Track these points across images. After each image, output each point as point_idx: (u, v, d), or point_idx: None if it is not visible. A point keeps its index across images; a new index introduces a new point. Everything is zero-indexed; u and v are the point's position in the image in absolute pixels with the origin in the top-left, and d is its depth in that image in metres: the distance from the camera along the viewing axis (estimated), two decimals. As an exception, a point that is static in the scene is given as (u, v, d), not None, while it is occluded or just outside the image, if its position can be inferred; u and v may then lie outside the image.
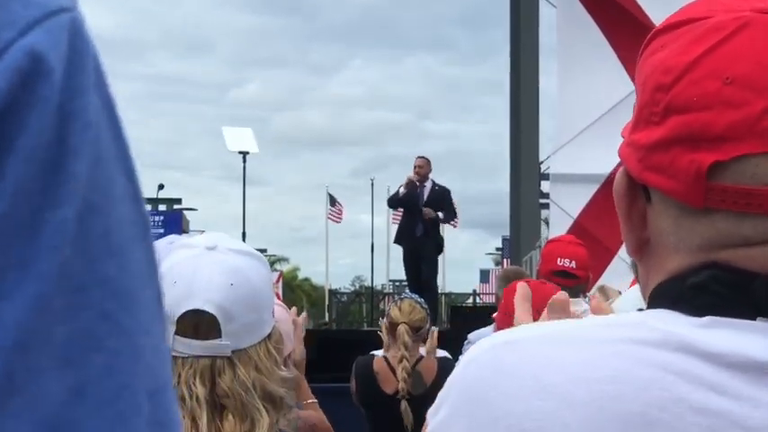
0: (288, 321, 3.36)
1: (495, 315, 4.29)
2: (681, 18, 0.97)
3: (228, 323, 1.89)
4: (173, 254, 1.98)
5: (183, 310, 1.89)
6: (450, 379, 0.98)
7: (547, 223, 13.07)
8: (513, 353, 0.93)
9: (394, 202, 13.98)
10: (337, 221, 24.66)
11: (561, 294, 1.17)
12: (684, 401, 0.84)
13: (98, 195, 0.50)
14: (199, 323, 1.90)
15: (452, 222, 24.71)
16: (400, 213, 23.88)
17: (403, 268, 14.00)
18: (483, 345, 0.97)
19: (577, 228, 9.82)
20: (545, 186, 12.00)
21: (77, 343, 0.48)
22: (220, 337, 1.89)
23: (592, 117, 10.43)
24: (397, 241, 14.17)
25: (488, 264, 39.52)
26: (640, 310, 0.96)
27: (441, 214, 13.17)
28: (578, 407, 0.86)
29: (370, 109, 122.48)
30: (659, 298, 0.95)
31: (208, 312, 1.88)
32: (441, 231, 13.93)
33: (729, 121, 0.89)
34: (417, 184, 13.11)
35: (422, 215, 13.06)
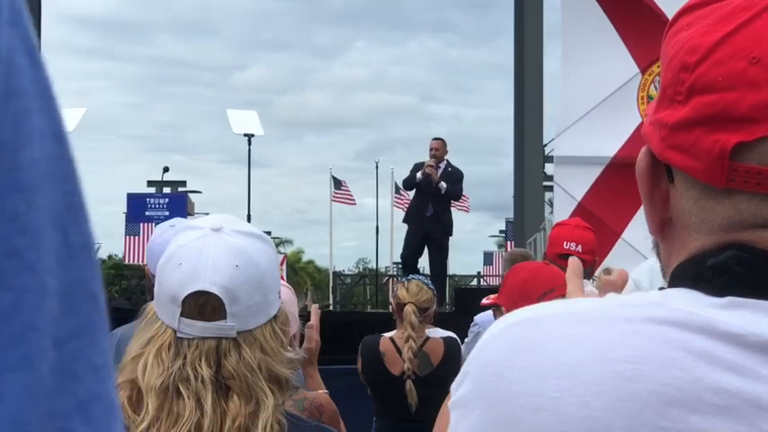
0: (293, 302, 3.39)
1: (487, 299, 4.23)
2: None
3: (233, 304, 1.89)
4: (179, 235, 1.98)
5: (189, 292, 1.89)
6: (471, 354, 0.98)
7: (551, 205, 13.09)
8: (534, 330, 0.93)
9: (409, 183, 13.91)
10: (351, 203, 24.55)
11: (618, 275, 1.16)
12: (702, 381, 0.84)
13: (6, 131, 0.48)
14: (204, 304, 1.90)
15: (460, 205, 24.70)
16: (403, 197, 23.88)
17: (409, 247, 13.98)
18: (506, 321, 0.97)
19: (581, 210, 9.81)
20: (549, 169, 12.00)
21: None
22: (225, 318, 1.89)
23: (596, 100, 10.40)
24: (405, 220, 14.16)
25: (492, 246, 39.45)
26: (661, 288, 0.96)
27: (444, 184, 13.09)
28: (595, 385, 0.86)
29: (373, 91, 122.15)
30: (680, 278, 0.95)
31: (213, 294, 1.88)
32: (450, 215, 13.90)
33: (754, 102, 0.88)
34: (436, 169, 13.10)
35: (434, 197, 13.07)
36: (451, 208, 13.69)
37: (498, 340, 0.96)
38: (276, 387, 1.92)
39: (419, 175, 13.28)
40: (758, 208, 0.90)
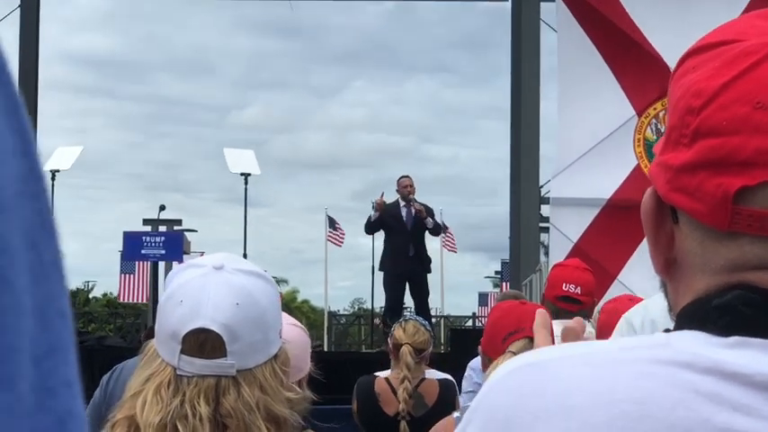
0: (307, 344, 3.39)
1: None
2: (713, 40, 0.97)
3: (234, 342, 1.89)
4: (180, 273, 1.99)
5: (189, 329, 1.90)
6: (474, 401, 0.98)
7: (545, 247, 13.09)
8: (537, 374, 0.93)
9: (373, 227, 13.94)
10: (339, 245, 24.61)
11: (575, 321, 1.17)
12: (710, 422, 0.84)
13: None
14: (204, 342, 1.90)
15: (450, 244, 24.70)
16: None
17: (385, 292, 13.93)
18: (507, 367, 0.97)
19: (577, 251, 9.82)
20: (545, 210, 12.01)
21: None
22: (225, 356, 1.90)
23: (592, 142, 10.46)
24: (382, 267, 14.15)
25: (488, 287, 39.41)
26: (667, 330, 0.96)
27: (430, 220, 13.18)
28: (603, 427, 0.86)
29: (371, 132, 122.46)
30: (686, 318, 0.95)
31: (213, 331, 1.89)
32: (427, 251, 13.97)
33: (758, 146, 0.89)
34: (401, 202, 13.25)
35: (414, 235, 13.13)
36: (442, 248, 13.76)
37: (502, 386, 0.96)
38: (274, 427, 1.91)
39: (374, 214, 13.37)
40: (762, 250, 0.90)
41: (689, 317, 0.95)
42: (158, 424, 1.85)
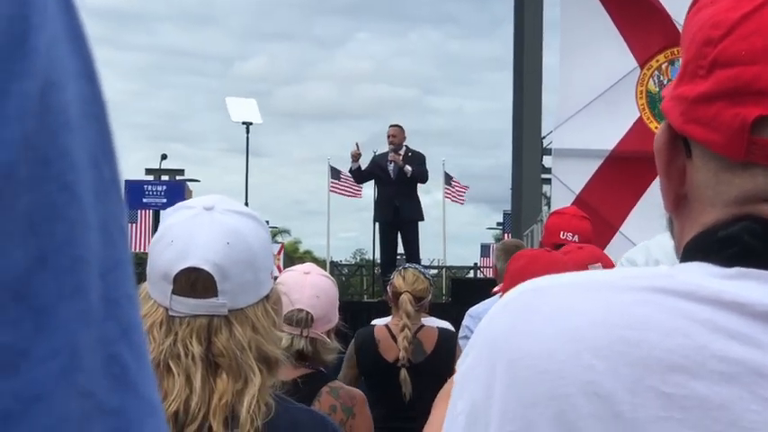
0: (336, 295, 3.43)
1: (497, 288, 4.30)
2: None
3: (225, 281, 1.90)
4: (171, 215, 1.99)
5: (180, 268, 1.90)
6: (478, 327, 0.99)
7: (546, 198, 13.09)
8: (539, 298, 0.94)
9: (359, 176, 14.11)
10: (348, 195, 24.48)
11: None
12: (706, 349, 0.85)
13: (56, 71, 0.50)
14: (195, 281, 1.91)
15: (455, 195, 24.65)
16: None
17: (384, 243, 14.04)
18: (510, 294, 0.98)
19: (580, 203, 9.78)
20: (547, 161, 12.00)
21: (41, 212, 0.49)
22: (217, 295, 1.91)
23: (594, 93, 10.40)
24: (377, 219, 14.27)
25: (490, 239, 39.46)
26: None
27: (409, 167, 13.20)
28: (601, 350, 0.86)
29: (374, 83, 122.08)
30: (692, 251, 0.96)
31: (204, 270, 1.89)
32: (419, 199, 13.94)
33: None
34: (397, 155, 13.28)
35: (400, 184, 13.21)
36: (447, 198, 13.80)
37: (504, 312, 0.97)
38: (265, 366, 1.93)
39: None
40: None
41: (694, 248, 0.95)
42: (151, 363, 1.86)
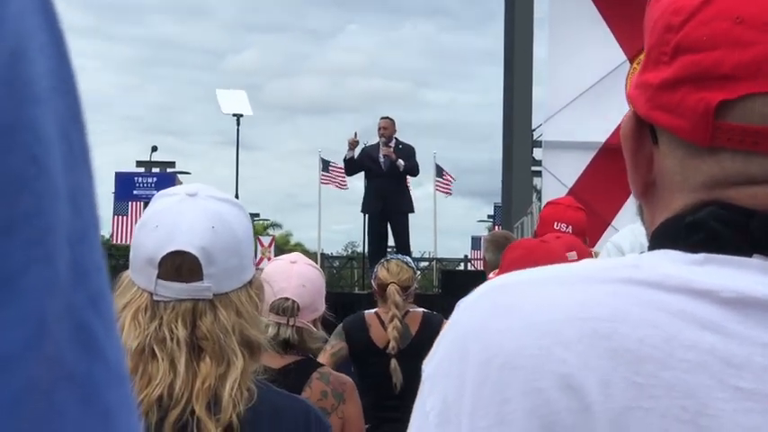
0: (323, 285, 3.45)
1: (491, 276, 4.30)
2: None
3: (210, 265, 1.92)
4: (155, 202, 2.01)
5: (166, 252, 1.92)
6: (445, 326, 0.98)
7: (537, 191, 13.10)
8: (507, 295, 0.94)
9: (351, 167, 14.17)
10: (342, 187, 24.39)
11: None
12: (675, 339, 0.85)
13: (24, 42, 0.50)
14: (181, 265, 1.92)
15: (443, 186, 24.63)
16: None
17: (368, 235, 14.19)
18: (477, 291, 0.97)
19: (572, 196, 9.82)
20: (537, 154, 12.01)
21: (7, 182, 0.49)
22: (202, 279, 1.92)
23: (583, 86, 10.43)
24: (364, 210, 14.40)
25: (480, 231, 39.43)
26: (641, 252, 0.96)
27: (401, 161, 13.29)
28: (572, 344, 0.86)
29: (366, 77, 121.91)
30: (660, 237, 0.96)
31: (189, 253, 1.91)
32: (409, 192, 14.15)
33: (738, 61, 0.89)
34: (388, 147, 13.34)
35: (391, 177, 13.29)
36: (438, 191, 13.86)
37: (472, 309, 0.96)
38: (248, 351, 1.94)
39: (349, 153, 13.62)
40: (741, 165, 0.91)
41: (662, 235, 0.96)
42: (136, 348, 1.88)
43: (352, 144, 13.70)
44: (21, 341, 0.49)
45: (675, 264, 0.90)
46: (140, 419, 0.56)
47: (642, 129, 0.99)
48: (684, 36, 0.93)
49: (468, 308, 0.97)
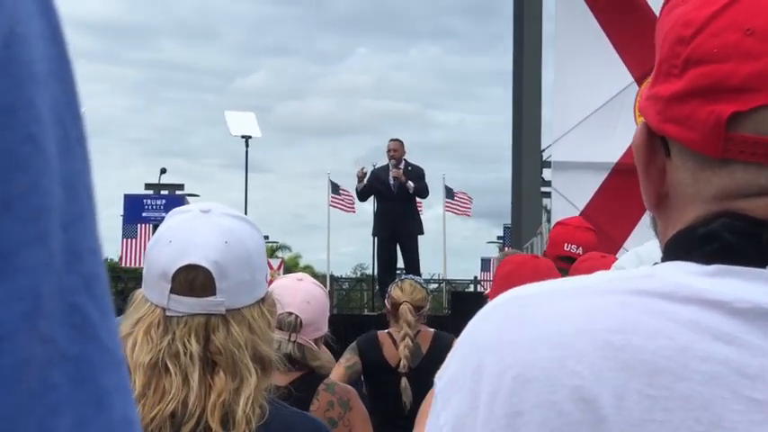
0: (327, 304, 3.47)
1: (487, 292, 4.30)
2: None
3: (223, 280, 1.92)
4: (168, 218, 2.02)
5: (179, 266, 1.92)
6: (458, 339, 0.98)
7: (547, 212, 13.09)
8: (521, 307, 0.94)
9: (363, 194, 14.25)
10: (347, 210, 24.39)
11: None
12: (689, 350, 0.85)
13: (21, 26, 0.51)
14: (194, 279, 1.92)
15: (460, 208, 24.59)
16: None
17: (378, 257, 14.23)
18: (491, 303, 0.97)
19: (584, 218, 9.79)
20: (547, 174, 12.00)
21: (4, 159, 0.49)
22: (215, 294, 1.92)
23: (591, 107, 10.43)
24: (375, 233, 14.43)
25: (490, 253, 39.41)
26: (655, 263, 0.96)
27: (411, 183, 13.36)
28: (585, 356, 0.86)
29: (375, 98, 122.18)
30: (673, 249, 0.96)
31: (203, 268, 1.91)
32: (419, 214, 14.21)
33: (749, 72, 0.89)
34: (392, 168, 13.44)
35: (401, 200, 13.37)
36: (450, 212, 13.91)
37: (485, 322, 0.96)
38: (260, 367, 1.95)
39: (359, 184, 13.77)
40: (753, 177, 0.91)
41: (675, 246, 0.96)
42: (149, 363, 1.88)
43: (361, 177, 13.82)
44: (17, 316, 0.49)
45: (688, 274, 0.89)
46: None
47: (654, 140, 0.99)
48: (695, 48, 0.93)
49: (480, 321, 0.97)
